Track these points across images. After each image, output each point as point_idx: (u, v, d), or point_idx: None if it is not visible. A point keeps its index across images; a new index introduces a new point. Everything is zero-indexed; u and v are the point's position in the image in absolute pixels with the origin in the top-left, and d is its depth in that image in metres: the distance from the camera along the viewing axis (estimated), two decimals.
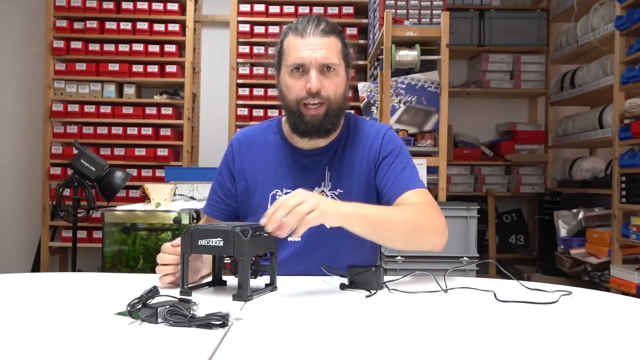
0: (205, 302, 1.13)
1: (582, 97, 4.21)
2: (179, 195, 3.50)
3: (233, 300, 1.23)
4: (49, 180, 4.48)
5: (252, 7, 4.59)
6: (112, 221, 2.81)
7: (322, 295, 1.33)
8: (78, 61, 4.52)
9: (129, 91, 4.57)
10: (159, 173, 4.41)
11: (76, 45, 4.50)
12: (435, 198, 1.88)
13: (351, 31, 4.49)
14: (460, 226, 2.93)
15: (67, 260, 4.70)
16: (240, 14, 4.58)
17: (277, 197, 1.57)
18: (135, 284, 1.36)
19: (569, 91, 4.35)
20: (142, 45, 4.50)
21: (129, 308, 1.05)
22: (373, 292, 1.33)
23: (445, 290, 1.36)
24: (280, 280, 1.38)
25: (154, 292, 1.08)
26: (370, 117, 3.51)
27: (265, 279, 1.37)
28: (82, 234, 4.32)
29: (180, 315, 1.03)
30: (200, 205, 3.15)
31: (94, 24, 4.51)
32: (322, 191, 1.59)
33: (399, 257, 2.87)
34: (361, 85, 3.65)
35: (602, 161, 4.25)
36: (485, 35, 4.64)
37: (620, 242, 3.54)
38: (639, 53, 3.35)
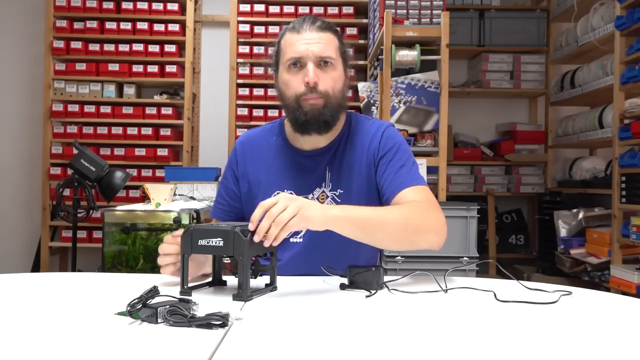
0: (205, 302, 1.13)
1: (582, 97, 4.21)
2: (178, 195, 3.50)
3: (233, 300, 1.23)
4: (49, 180, 4.47)
5: (252, 7, 4.59)
6: (112, 221, 2.81)
7: (322, 295, 1.33)
8: (78, 61, 4.52)
9: (129, 91, 4.57)
10: (159, 173, 4.41)
11: (76, 45, 4.50)
12: (435, 198, 1.87)
13: (351, 31, 4.49)
14: (460, 226, 2.93)
15: (67, 260, 4.70)
16: (240, 14, 4.58)
17: None
18: (135, 284, 1.37)
19: (569, 91, 4.34)
20: (142, 45, 4.50)
21: (129, 308, 1.05)
22: (373, 292, 1.33)
23: (445, 291, 1.36)
24: (280, 280, 1.38)
25: (154, 292, 1.08)
26: (370, 117, 3.51)
27: (265, 279, 1.36)
28: (82, 234, 4.32)
29: (180, 315, 1.03)
30: (200, 205, 3.15)
31: (94, 24, 4.51)
32: (323, 192, 1.59)
33: (399, 257, 2.87)
34: (361, 85, 3.65)
35: (602, 161, 4.25)
36: (485, 35, 4.64)
37: (620, 242, 3.54)
38: (639, 53, 3.35)
